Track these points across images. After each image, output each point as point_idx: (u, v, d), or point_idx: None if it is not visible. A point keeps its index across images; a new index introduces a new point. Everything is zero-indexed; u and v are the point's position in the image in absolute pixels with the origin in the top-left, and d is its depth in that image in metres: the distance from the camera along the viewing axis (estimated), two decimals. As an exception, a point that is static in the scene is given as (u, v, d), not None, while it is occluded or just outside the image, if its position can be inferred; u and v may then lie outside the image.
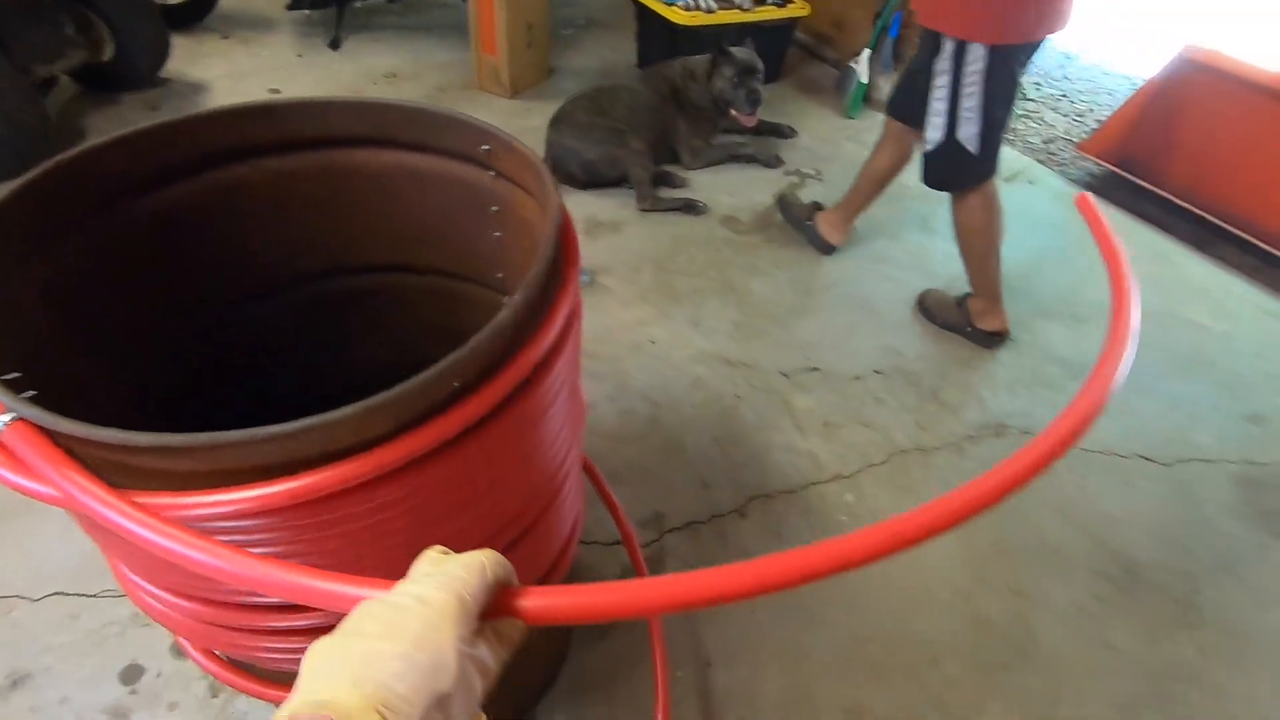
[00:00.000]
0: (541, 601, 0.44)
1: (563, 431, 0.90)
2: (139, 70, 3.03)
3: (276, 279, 1.18)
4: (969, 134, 1.90)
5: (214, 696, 1.33)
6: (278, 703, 0.91)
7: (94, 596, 1.45)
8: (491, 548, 0.83)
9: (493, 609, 0.44)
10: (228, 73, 3.35)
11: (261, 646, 0.88)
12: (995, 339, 2.24)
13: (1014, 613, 1.57)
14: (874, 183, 2.35)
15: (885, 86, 3.53)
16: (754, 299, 2.37)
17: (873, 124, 3.46)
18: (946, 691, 1.43)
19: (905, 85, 2.10)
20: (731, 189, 2.89)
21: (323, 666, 0.38)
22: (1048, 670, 1.47)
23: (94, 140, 0.90)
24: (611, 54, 3.88)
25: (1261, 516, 1.82)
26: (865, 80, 3.42)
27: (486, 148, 1.00)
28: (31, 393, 0.63)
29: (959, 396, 2.08)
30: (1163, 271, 2.69)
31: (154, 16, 2.98)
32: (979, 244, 2.12)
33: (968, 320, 2.25)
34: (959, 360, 2.20)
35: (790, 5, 3.44)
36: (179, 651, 1.38)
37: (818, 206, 2.58)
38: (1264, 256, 2.77)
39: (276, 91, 3.25)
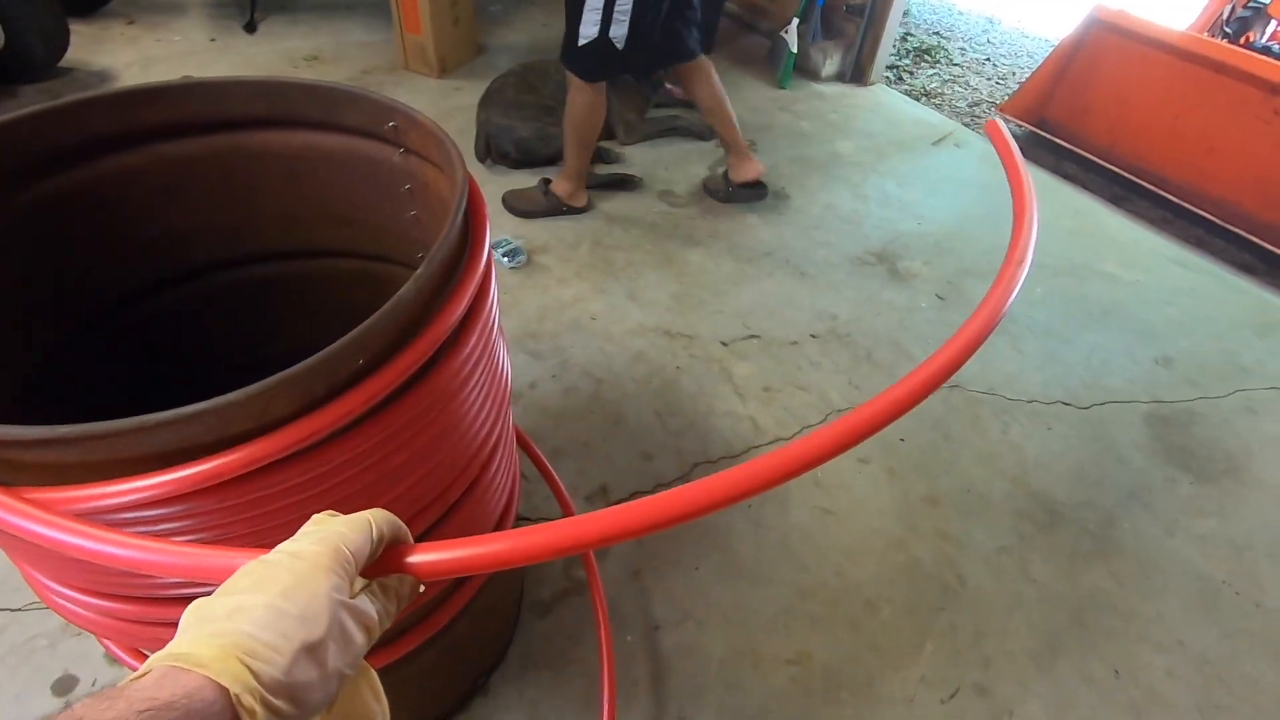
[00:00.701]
0: (430, 556, 0.45)
1: (484, 407, 0.90)
2: (35, 60, 2.86)
3: (179, 268, 1.15)
4: (619, 34, 2.10)
5: (154, 699, 1.30)
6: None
7: (17, 610, 1.40)
8: (416, 525, 0.84)
9: (381, 565, 0.45)
10: (136, 60, 3.18)
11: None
12: (757, 188, 2.65)
13: (943, 557, 1.65)
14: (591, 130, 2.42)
15: (816, 56, 3.57)
16: (691, 270, 2.39)
17: (805, 94, 3.50)
18: (882, 636, 1.50)
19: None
20: (667, 163, 2.89)
21: (190, 623, 0.38)
22: (975, 608, 1.56)
23: (-33, 128, 0.85)
24: (543, 29, 3.82)
25: (1169, 451, 1.94)
26: (795, 50, 3.45)
27: (393, 124, 0.99)
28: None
29: (890, 356, 2.15)
30: (1080, 226, 2.81)
31: (49, 5, 2.81)
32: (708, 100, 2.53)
33: (728, 182, 2.64)
34: (891, 322, 2.27)
35: (717, -24, 3.42)
36: (113, 658, 1.35)
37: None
38: (1173, 209, 2.91)
39: (190, 78, 3.10)
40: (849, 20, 3.53)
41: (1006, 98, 3.70)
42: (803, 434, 1.89)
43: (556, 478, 1.48)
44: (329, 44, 3.49)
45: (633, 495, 1.71)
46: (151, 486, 0.60)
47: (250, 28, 3.51)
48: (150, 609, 0.81)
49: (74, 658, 1.34)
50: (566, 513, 1.49)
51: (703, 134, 3.03)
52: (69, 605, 0.84)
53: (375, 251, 1.19)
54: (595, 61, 2.17)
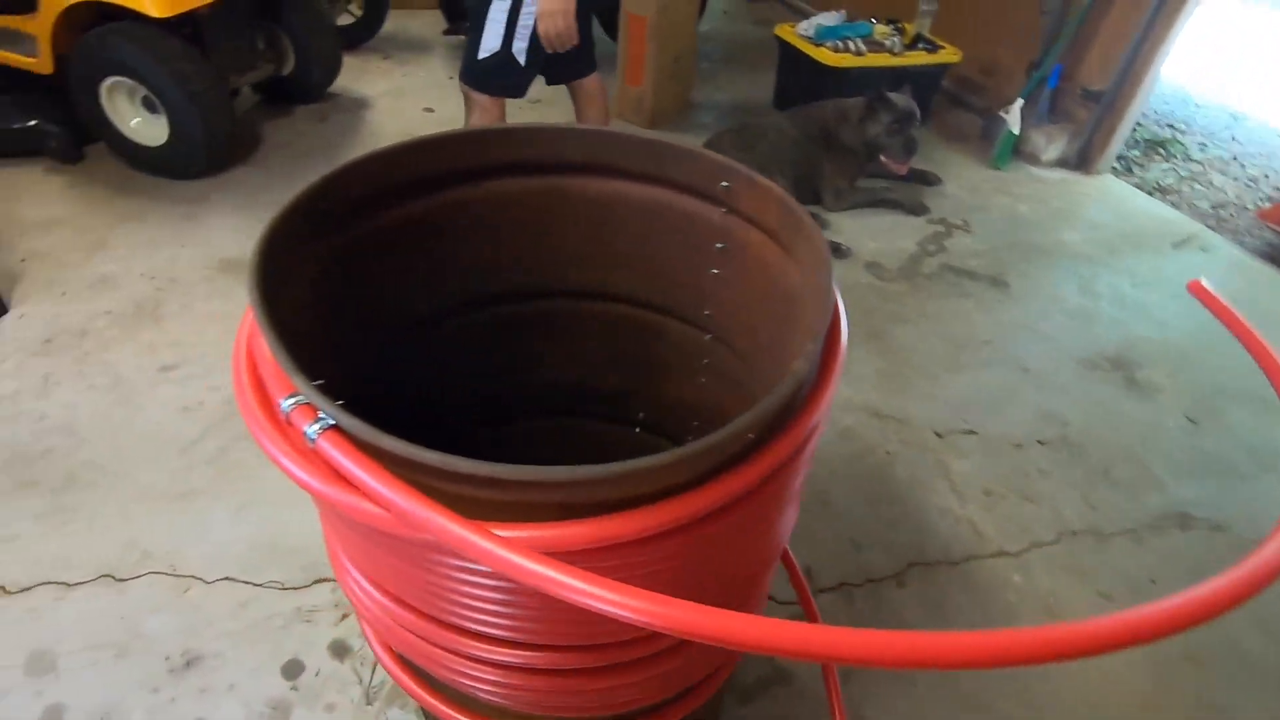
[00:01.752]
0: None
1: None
2: (314, 84, 3.25)
3: (479, 295, 1.20)
4: (520, 48, 2.05)
5: (369, 704, 1.33)
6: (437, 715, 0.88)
7: (260, 586, 1.50)
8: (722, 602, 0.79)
9: None
10: (388, 90, 3.55)
11: (457, 668, 0.87)
12: None
13: (1213, 732, 1.39)
14: None
15: (1038, 139, 3.37)
16: (898, 348, 2.26)
17: (1023, 177, 3.31)
18: (1138, 814, 1.28)
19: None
20: (875, 234, 2.80)
21: None
22: (1259, 807, 1.30)
23: (352, 156, 0.93)
24: (750, 89, 3.88)
25: None
26: (1017, 131, 3.27)
27: (725, 184, 0.98)
28: (339, 401, 0.63)
29: (1132, 475, 1.91)
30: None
31: (332, 35, 3.20)
32: None
33: None
34: (1130, 434, 2.02)
35: (941, 51, 3.35)
36: (337, 651, 1.40)
37: None
38: None
39: (431, 110, 3.41)
40: (1083, 105, 3.31)
41: (1260, 201, 3.31)
42: (1033, 551, 1.70)
43: (794, 561, 1.40)
44: (551, 90, 3.72)
45: (841, 585, 1.59)
46: (550, 538, 0.58)
47: (484, 69, 3.82)
48: (437, 631, 0.81)
49: (302, 643, 1.41)
50: (803, 600, 1.40)
51: (915, 209, 2.92)
52: (364, 599, 0.86)
53: (657, 301, 1.19)
54: (496, 75, 2.12)
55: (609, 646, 0.78)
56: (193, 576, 1.50)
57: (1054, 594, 1.62)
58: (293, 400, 0.62)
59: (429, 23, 4.35)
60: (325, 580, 1.51)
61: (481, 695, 0.91)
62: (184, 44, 2.48)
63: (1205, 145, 3.90)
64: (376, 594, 0.86)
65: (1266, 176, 3.63)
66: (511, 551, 0.49)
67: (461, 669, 0.87)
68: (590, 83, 2.44)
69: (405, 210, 1.04)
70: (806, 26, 3.35)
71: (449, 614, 0.78)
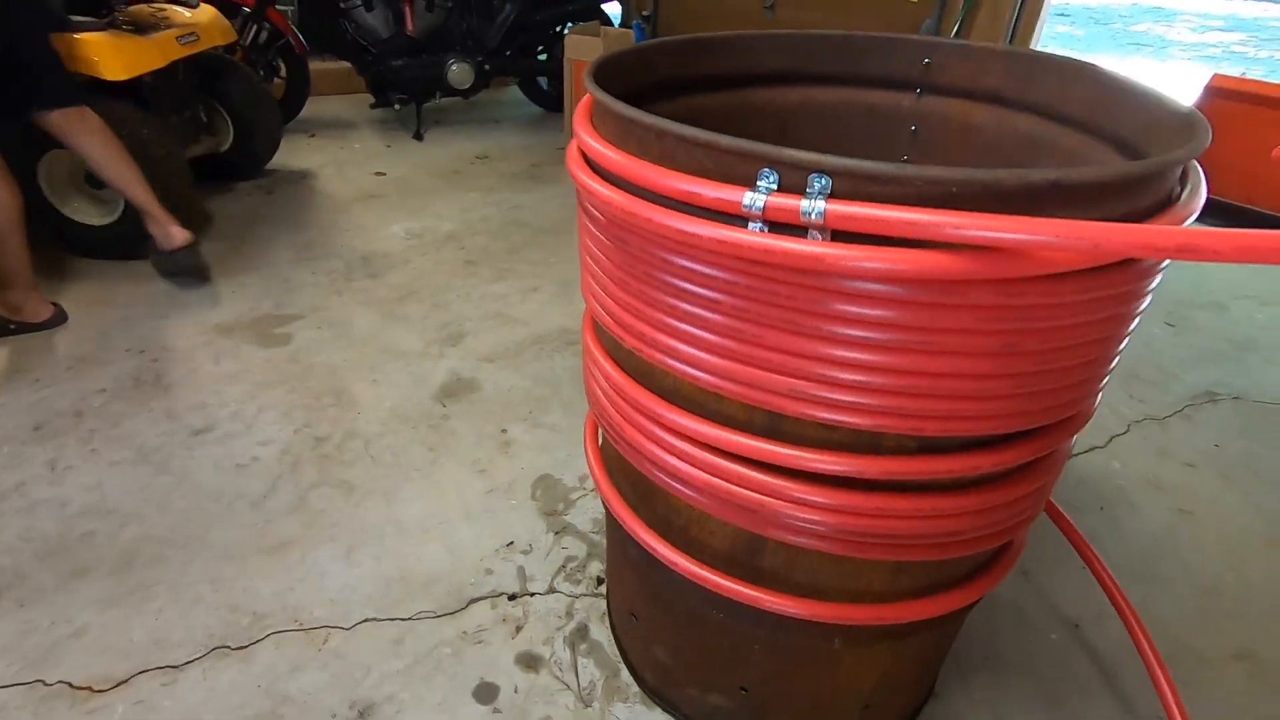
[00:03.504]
0: None
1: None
2: (255, 158, 3.09)
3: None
4: None
5: (586, 706, 1.18)
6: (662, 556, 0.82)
7: (410, 620, 1.30)
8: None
9: None
10: (328, 162, 3.43)
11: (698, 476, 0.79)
12: (189, 254, 2.24)
13: (1336, 548, 1.54)
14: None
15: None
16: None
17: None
18: (1322, 624, 1.37)
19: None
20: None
21: None
22: (1404, 595, 1.43)
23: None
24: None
25: None
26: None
27: (927, 60, 1.06)
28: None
29: (1154, 373, 2.13)
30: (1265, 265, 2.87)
31: (273, 107, 3.08)
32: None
33: (157, 252, 2.24)
34: (1135, 342, 2.26)
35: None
36: (528, 664, 1.23)
37: None
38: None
39: (382, 174, 3.33)
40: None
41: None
42: (1114, 442, 1.83)
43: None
44: (493, 147, 3.77)
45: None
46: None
47: (418, 137, 3.81)
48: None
49: (485, 665, 1.23)
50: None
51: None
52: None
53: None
54: None
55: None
56: (326, 627, 1.28)
57: (1151, 471, 1.74)
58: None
59: (348, 103, 4.30)
60: (480, 599, 1.34)
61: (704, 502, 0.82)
62: (138, 109, 2.30)
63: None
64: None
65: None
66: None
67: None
68: (62, 117, 1.99)
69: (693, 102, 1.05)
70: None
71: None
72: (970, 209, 0.56)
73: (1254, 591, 1.45)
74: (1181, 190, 0.68)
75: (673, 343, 0.74)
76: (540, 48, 4.18)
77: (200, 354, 2.00)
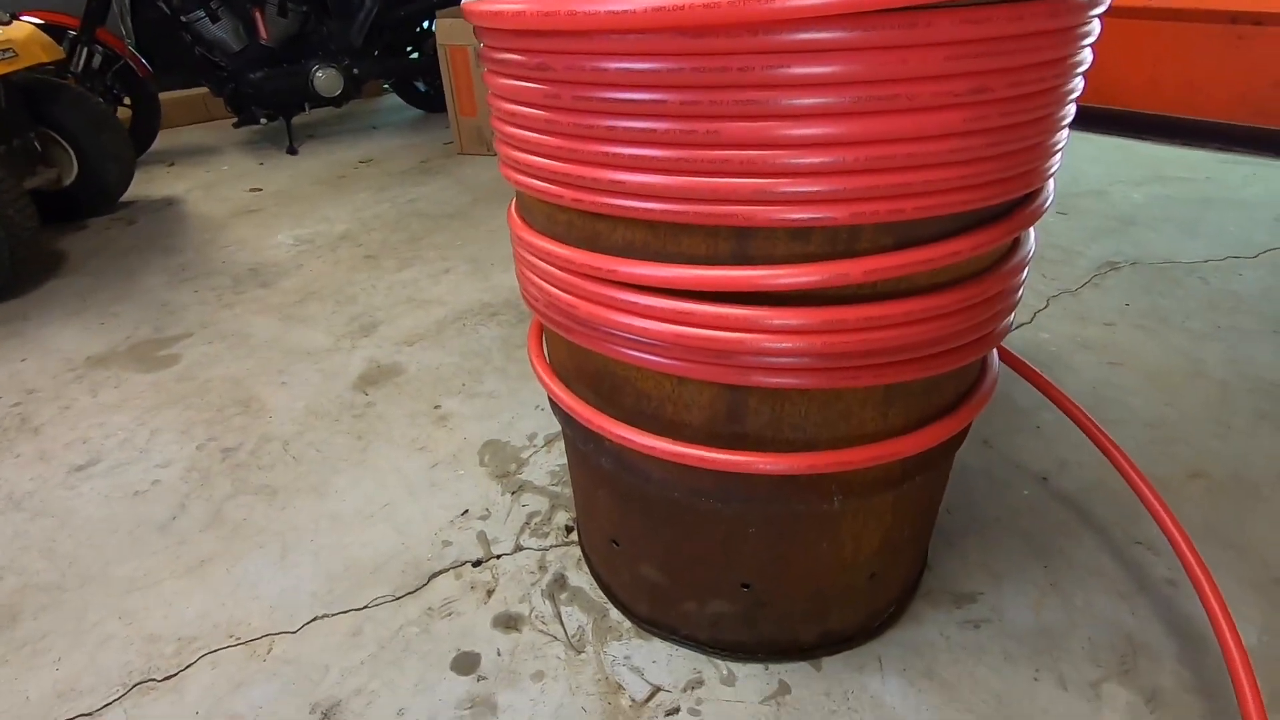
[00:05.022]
0: None
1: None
2: (108, 188, 2.78)
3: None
4: None
5: (579, 653, 1.07)
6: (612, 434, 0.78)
7: (366, 608, 1.16)
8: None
9: None
10: (195, 186, 3.15)
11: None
12: None
13: (1238, 366, 1.63)
14: None
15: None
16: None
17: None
18: (1251, 439, 1.45)
19: None
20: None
21: None
22: (1318, 397, 1.53)
23: None
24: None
25: (1354, 267, 2.05)
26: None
27: None
28: None
29: (1060, 252, 2.23)
30: (1129, 156, 3.09)
31: (120, 130, 2.78)
32: None
33: None
34: (1042, 233, 2.36)
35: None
36: (507, 624, 1.12)
37: None
38: (1190, 133, 3.26)
39: (258, 189, 3.08)
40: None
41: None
42: (1039, 316, 1.89)
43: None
44: (376, 151, 3.58)
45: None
46: None
47: (292, 151, 3.57)
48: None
49: (458, 635, 1.11)
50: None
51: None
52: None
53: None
54: None
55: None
56: (268, 635, 1.12)
57: (1076, 334, 1.81)
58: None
59: (209, 131, 3.99)
60: (442, 572, 1.22)
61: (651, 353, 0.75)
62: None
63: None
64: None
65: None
66: None
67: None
68: None
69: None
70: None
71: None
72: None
73: (1192, 419, 1.51)
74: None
75: (619, 175, 0.66)
76: (410, 47, 4.02)
77: (72, 390, 1.75)
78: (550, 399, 0.97)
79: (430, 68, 3.92)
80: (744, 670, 1.04)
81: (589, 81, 0.63)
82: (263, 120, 3.51)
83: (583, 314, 0.78)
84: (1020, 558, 1.21)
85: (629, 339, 0.76)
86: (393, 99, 4.45)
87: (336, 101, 3.65)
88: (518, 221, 0.87)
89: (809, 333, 0.69)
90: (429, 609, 1.16)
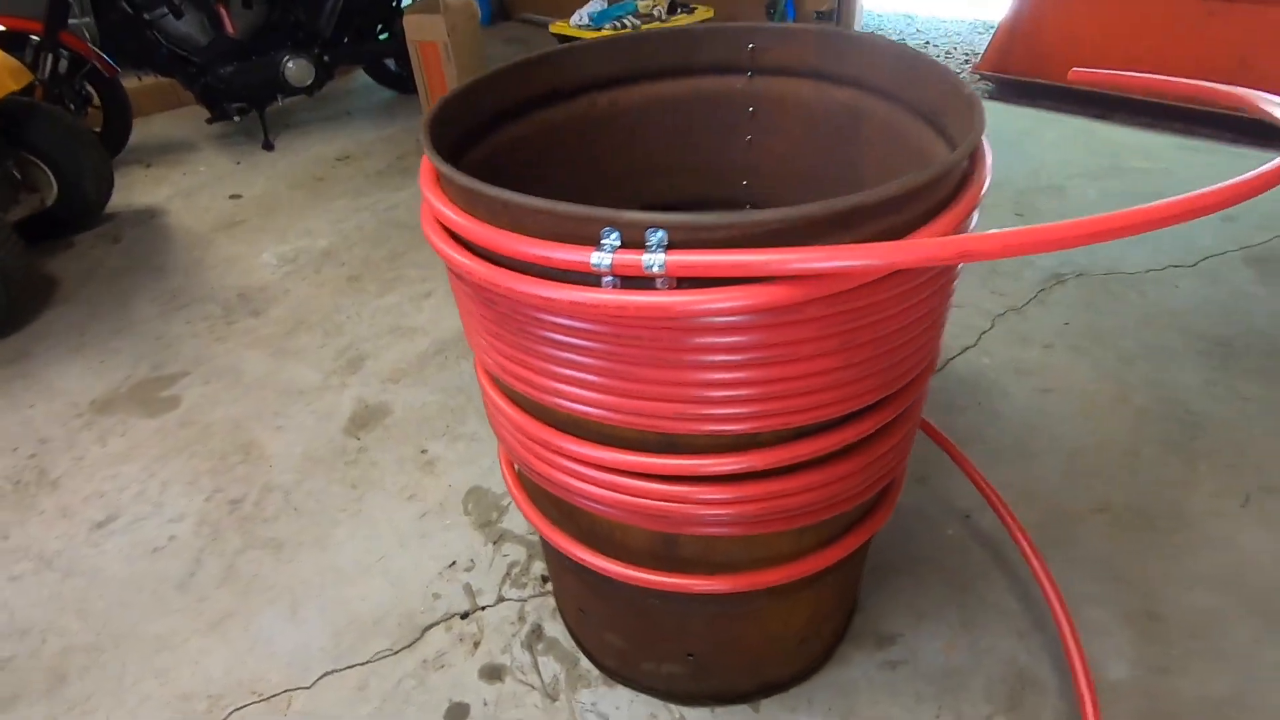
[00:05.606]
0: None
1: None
2: (89, 205, 2.83)
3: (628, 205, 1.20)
4: None
5: (554, 700, 1.26)
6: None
7: (370, 663, 1.33)
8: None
9: None
10: (175, 193, 3.18)
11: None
12: None
13: (1164, 399, 1.78)
14: None
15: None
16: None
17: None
18: (1159, 471, 1.61)
19: None
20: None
21: None
22: (1218, 429, 1.69)
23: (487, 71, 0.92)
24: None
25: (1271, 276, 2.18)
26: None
27: (751, 45, 1.10)
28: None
29: (1011, 264, 2.34)
30: (1089, 141, 3.14)
31: (95, 145, 2.80)
32: None
33: None
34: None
35: (698, 10, 3.75)
36: (491, 675, 1.30)
37: None
38: (1151, 114, 3.30)
39: (238, 196, 3.12)
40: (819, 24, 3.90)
41: (960, 67, 4.13)
42: (983, 339, 2.02)
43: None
44: (352, 145, 3.58)
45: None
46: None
47: (268, 146, 3.57)
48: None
49: (451, 687, 1.29)
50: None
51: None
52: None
53: (693, 195, 1.27)
54: None
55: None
56: (287, 691, 1.30)
57: (1016, 358, 1.95)
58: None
59: (180, 120, 3.96)
60: (434, 625, 1.39)
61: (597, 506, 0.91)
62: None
63: (903, 38, 4.77)
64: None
65: (955, 49, 4.53)
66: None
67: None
68: None
69: (549, 116, 1.09)
70: (579, 18, 3.57)
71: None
72: (792, 240, 0.62)
73: (1107, 448, 1.67)
74: (971, 168, 0.77)
75: (557, 385, 0.79)
76: (379, 26, 3.94)
77: (83, 438, 1.88)
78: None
79: (401, 49, 3.87)
80: (693, 714, 1.22)
81: (527, 321, 0.75)
82: (236, 117, 3.50)
83: (537, 467, 0.92)
84: (941, 597, 1.39)
85: (577, 492, 0.90)
86: (364, 79, 4.39)
87: (309, 90, 3.63)
88: (483, 374, 0.99)
89: (728, 503, 0.83)
90: (424, 661, 1.33)
